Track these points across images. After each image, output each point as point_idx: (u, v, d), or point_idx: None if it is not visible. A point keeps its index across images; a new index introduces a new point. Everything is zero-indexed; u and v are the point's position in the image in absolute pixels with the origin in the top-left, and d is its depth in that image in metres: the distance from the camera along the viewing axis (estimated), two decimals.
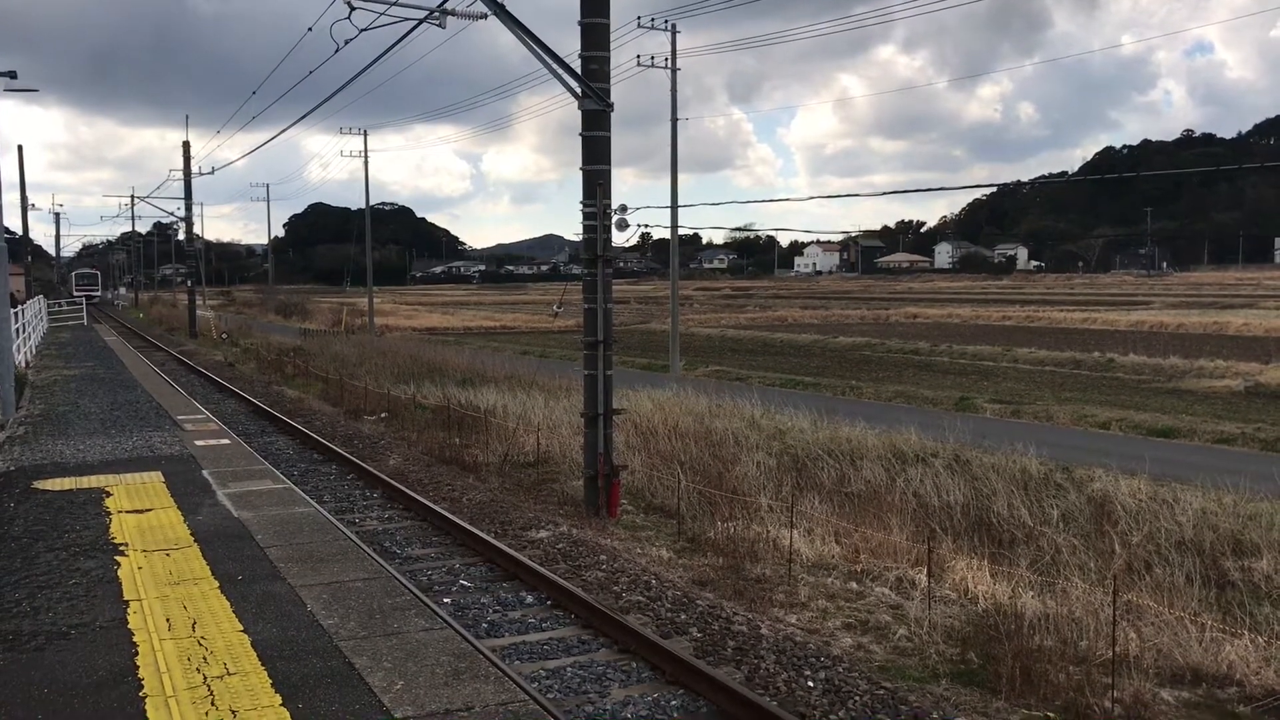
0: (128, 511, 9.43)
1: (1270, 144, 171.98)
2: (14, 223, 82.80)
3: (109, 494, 10.23)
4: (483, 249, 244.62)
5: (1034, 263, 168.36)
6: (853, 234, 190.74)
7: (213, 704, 5.16)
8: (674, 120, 32.26)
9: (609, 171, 13.06)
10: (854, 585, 9.91)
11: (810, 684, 7.45)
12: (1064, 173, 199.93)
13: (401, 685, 5.42)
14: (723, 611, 8.96)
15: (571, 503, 13.43)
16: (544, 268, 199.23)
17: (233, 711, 5.07)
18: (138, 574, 7.44)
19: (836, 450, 15.76)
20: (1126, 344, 38.37)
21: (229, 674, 5.55)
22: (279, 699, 5.22)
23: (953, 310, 66.38)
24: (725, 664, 7.83)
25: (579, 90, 12.74)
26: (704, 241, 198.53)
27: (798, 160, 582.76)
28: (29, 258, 68.62)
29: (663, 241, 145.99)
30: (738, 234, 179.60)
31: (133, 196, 74.80)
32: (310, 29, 18.96)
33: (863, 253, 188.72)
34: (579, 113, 12.92)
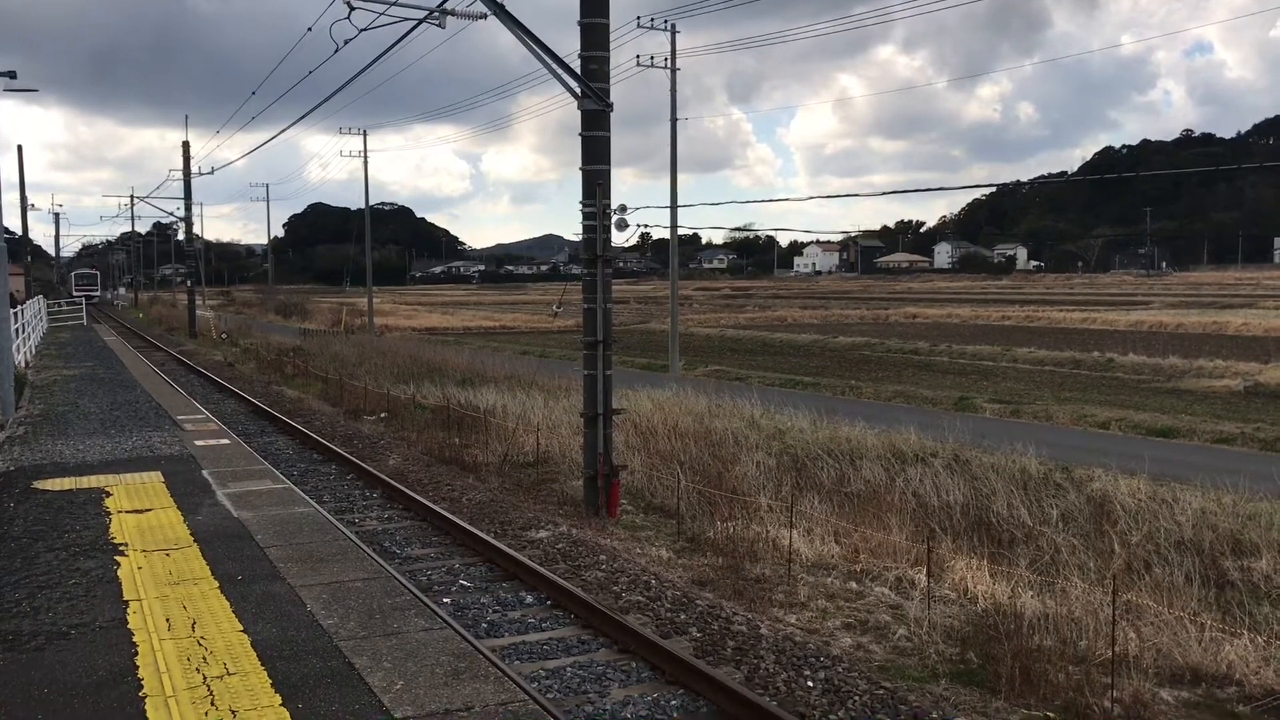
0: (127, 511, 9.43)
1: (1269, 144, 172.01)
2: (14, 223, 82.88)
3: (109, 494, 10.23)
4: (482, 249, 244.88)
5: (1033, 263, 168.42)
6: (852, 234, 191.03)
7: (212, 704, 5.16)
8: (673, 120, 32.29)
9: (609, 171, 13.06)
10: (853, 585, 9.91)
11: (810, 684, 7.45)
12: (1063, 173, 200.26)
13: (401, 685, 5.43)
14: (722, 611, 8.97)
15: (571, 503, 13.43)
16: (544, 268, 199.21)
17: (232, 711, 5.07)
18: (137, 574, 7.44)
19: (836, 450, 15.77)
20: (1126, 344, 38.38)
21: (229, 674, 5.55)
22: (279, 699, 5.22)
23: (952, 310, 66.39)
24: (725, 664, 7.83)
25: (578, 90, 12.74)
26: (703, 241, 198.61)
27: (797, 160, 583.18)
28: (29, 258, 68.62)
29: (662, 241, 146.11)
30: (737, 234, 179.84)
31: (132, 196, 74.85)
32: (310, 29, 18.97)
33: (862, 253, 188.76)
34: (578, 113, 12.93)
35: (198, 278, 58.99)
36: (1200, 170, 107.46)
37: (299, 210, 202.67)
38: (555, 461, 15.73)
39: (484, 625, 8.62)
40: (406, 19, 14.72)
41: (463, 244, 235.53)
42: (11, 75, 27.66)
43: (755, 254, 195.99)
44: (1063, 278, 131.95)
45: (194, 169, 49.86)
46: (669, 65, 31.83)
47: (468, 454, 16.56)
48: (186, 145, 49.95)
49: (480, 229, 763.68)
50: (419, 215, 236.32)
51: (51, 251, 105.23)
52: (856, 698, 7.22)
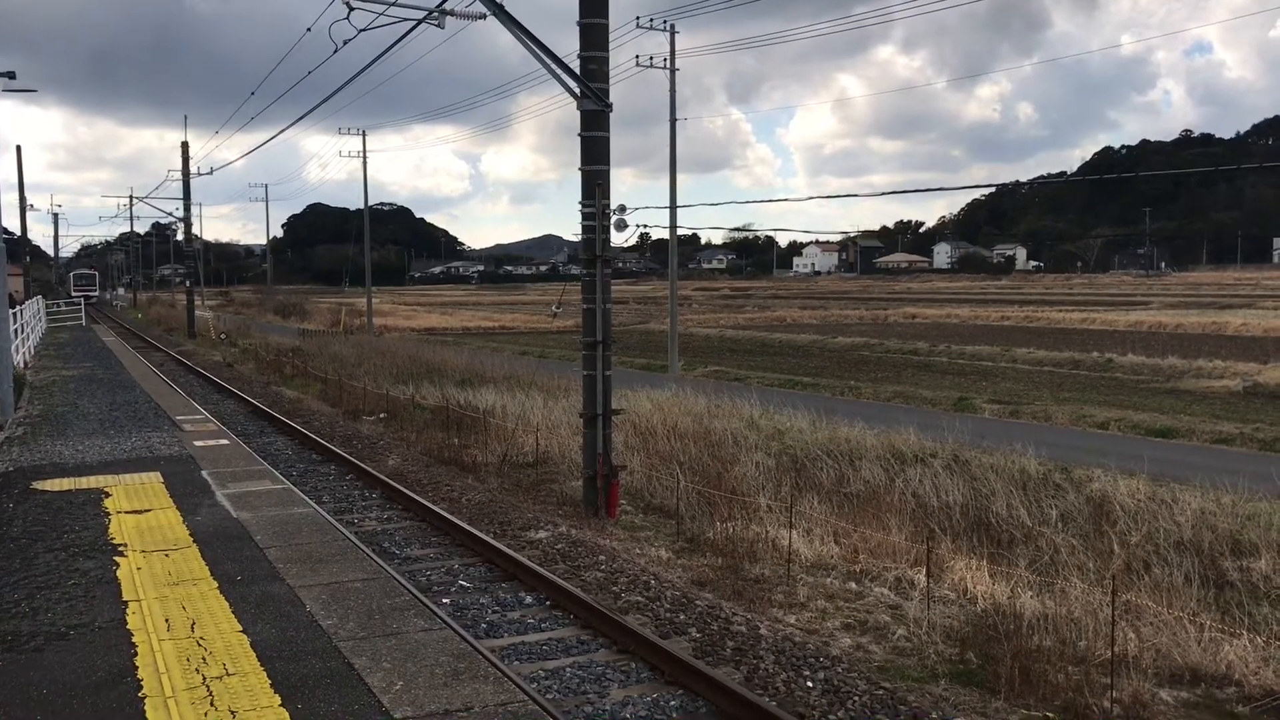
0: (127, 512, 9.42)
1: (1269, 144, 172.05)
2: (12, 223, 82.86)
3: (108, 494, 10.22)
4: (481, 249, 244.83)
5: (1033, 263, 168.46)
6: (851, 234, 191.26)
7: (212, 704, 5.15)
8: (673, 120, 32.29)
9: (608, 172, 13.06)
10: (853, 585, 9.91)
11: (809, 684, 7.45)
12: (1063, 173, 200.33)
13: (401, 685, 5.42)
14: (722, 612, 8.97)
15: (570, 503, 13.43)
16: (543, 268, 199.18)
17: (232, 712, 5.07)
18: (137, 574, 7.44)
19: (835, 450, 15.77)
20: (1125, 344, 38.39)
21: (228, 674, 5.55)
22: (278, 699, 5.22)
23: (951, 310, 66.42)
24: (724, 664, 7.83)
25: (578, 90, 12.74)
26: (703, 242, 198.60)
27: (796, 160, 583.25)
28: (27, 258, 68.55)
29: (661, 242, 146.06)
30: (736, 234, 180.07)
31: (131, 197, 74.86)
32: (309, 29, 18.97)
33: (861, 253, 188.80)
34: (578, 113, 12.93)
35: (196, 278, 59.01)
36: (1199, 170, 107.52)
37: (298, 210, 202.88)
38: (554, 462, 15.73)
39: (483, 626, 8.62)
40: (406, 19, 14.74)
41: (462, 244, 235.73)
42: (11, 75, 27.67)
43: (754, 254, 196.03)
44: (1062, 278, 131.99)
45: (193, 169, 49.87)
46: (668, 65, 31.85)
47: (467, 454, 16.56)
48: (185, 145, 49.97)
49: (479, 229, 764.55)
50: (418, 215, 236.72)
51: (50, 252, 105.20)
52: (856, 698, 7.22)
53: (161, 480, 10.96)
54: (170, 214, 78.30)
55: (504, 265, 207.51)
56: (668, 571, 10.45)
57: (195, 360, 34.87)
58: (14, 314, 22.54)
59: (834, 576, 10.16)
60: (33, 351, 29.79)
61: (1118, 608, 8.10)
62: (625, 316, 63.96)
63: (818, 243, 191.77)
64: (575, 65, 12.88)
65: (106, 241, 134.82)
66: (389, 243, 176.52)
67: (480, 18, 14.79)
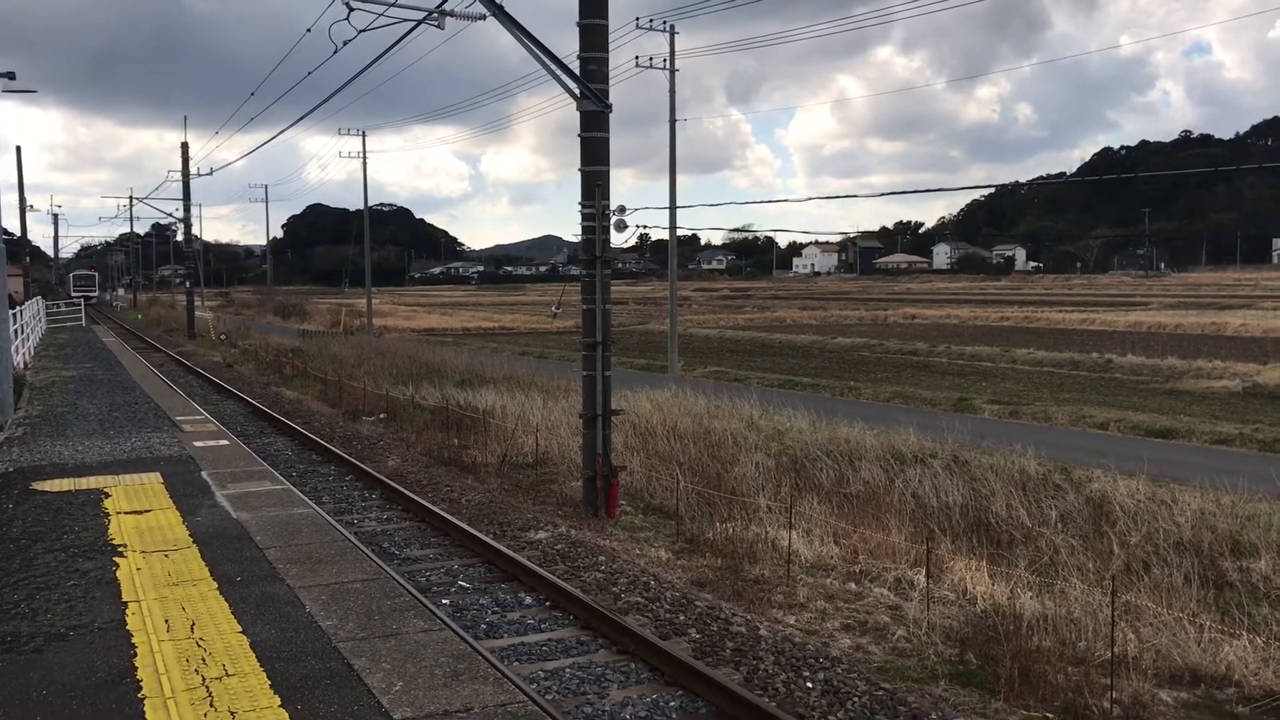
0: (126, 512, 9.42)
1: (1268, 145, 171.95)
2: (12, 224, 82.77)
3: (108, 495, 10.22)
4: (481, 250, 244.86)
5: (1032, 263, 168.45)
6: (851, 235, 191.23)
7: (211, 705, 5.15)
8: (672, 121, 32.30)
9: (608, 172, 13.06)
10: (853, 586, 9.91)
11: (809, 685, 7.45)
12: (1062, 173, 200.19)
13: (400, 686, 5.42)
14: (721, 612, 8.96)
15: (570, 504, 13.43)
16: (542, 268, 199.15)
17: (231, 713, 5.07)
18: (136, 575, 7.43)
19: (835, 451, 15.77)
20: (1125, 345, 38.39)
21: (228, 675, 5.55)
22: (278, 700, 5.22)
23: (951, 311, 66.42)
24: (724, 665, 7.83)
25: (577, 91, 12.74)
26: (702, 242, 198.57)
27: (796, 161, 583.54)
28: (27, 259, 68.52)
29: (661, 242, 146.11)
30: (736, 235, 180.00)
31: (131, 197, 74.91)
32: (309, 30, 18.97)
33: (861, 253, 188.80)
34: (577, 114, 12.93)
35: (196, 279, 59.02)
36: (1199, 171, 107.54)
37: (298, 211, 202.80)
38: (554, 462, 15.73)
39: (483, 626, 8.62)
40: (405, 20, 14.74)
41: (461, 245, 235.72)
42: (10, 76, 27.67)
43: (754, 255, 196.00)
44: (1061, 278, 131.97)
45: (193, 170, 49.88)
46: (668, 66, 31.86)
47: (467, 455, 16.56)
48: (185, 146, 49.97)
49: (479, 230, 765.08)
50: (418, 216, 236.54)
51: (50, 253, 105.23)
52: (856, 699, 7.22)
53: (161, 481, 10.96)
54: (170, 214, 78.43)
55: (504, 266, 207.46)
56: (667, 572, 10.45)
57: (195, 361, 34.87)
58: (14, 315, 22.54)
59: (834, 577, 10.16)
60: (32, 352, 29.78)
61: (1117, 608, 8.10)
62: (625, 317, 63.96)
63: (817, 243, 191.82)
64: (575, 66, 12.88)
65: (106, 242, 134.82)
66: (389, 243, 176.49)
67: (480, 18, 14.80)
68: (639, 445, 16.06)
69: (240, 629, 6.28)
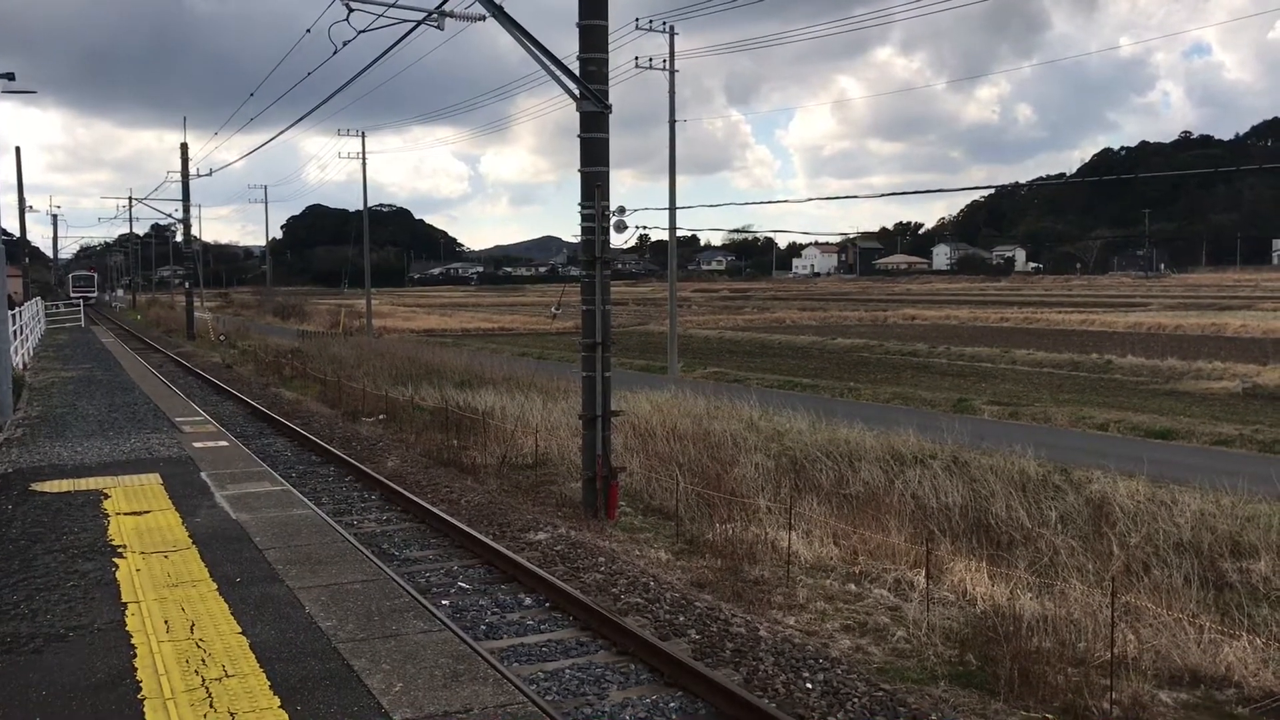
0: (126, 513, 9.42)
1: (1268, 145, 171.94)
2: (11, 224, 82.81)
3: (107, 496, 10.21)
4: (481, 250, 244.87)
5: (1032, 264, 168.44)
6: (851, 235, 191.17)
7: (211, 706, 5.15)
8: (672, 122, 32.32)
9: (607, 173, 13.06)
10: (852, 587, 9.91)
11: (809, 686, 7.45)
12: (1062, 174, 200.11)
13: (400, 687, 5.42)
14: (721, 613, 8.96)
15: (570, 504, 13.42)
16: (542, 269, 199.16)
17: (231, 713, 5.06)
18: (136, 576, 7.43)
19: (835, 452, 15.77)
20: (1124, 345, 38.40)
21: (227, 676, 5.55)
22: (278, 701, 5.21)
23: (951, 312, 66.44)
24: (724, 666, 7.83)
25: (577, 92, 12.74)
26: (702, 243, 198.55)
27: (796, 162, 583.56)
28: (26, 259, 68.49)
29: (661, 243, 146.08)
30: (736, 235, 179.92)
31: (130, 198, 75.10)
32: (309, 31, 18.98)
33: (861, 254, 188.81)
34: (577, 114, 12.93)
35: (196, 279, 59.00)
36: (1198, 172, 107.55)
37: (297, 212, 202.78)
38: (554, 463, 15.73)
39: (483, 627, 8.62)
40: (405, 20, 14.74)
41: (461, 245, 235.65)
42: (10, 77, 27.67)
43: (754, 255, 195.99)
44: (1061, 279, 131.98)
45: (192, 171, 49.88)
46: (667, 67, 31.88)
47: (466, 456, 16.55)
48: (185, 147, 49.96)
49: (479, 230, 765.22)
50: (417, 217, 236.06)
51: (49, 253, 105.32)
52: (855, 700, 7.21)
53: (161, 482, 10.95)
54: (169, 215, 78.41)
55: (503, 267, 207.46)
56: (667, 573, 10.45)
57: (194, 362, 34.86)
58: (13, 315, 22.53)
59: (833, 578, 10.16)
60: (32, 353, 29.77)
61: (1117, 609, 8.10)
62: (624, 318, 63.96)
63: (817, 244, 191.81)
64: (575, 67, 12.88)
65: (105, 243, 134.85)
66: (388, 244, 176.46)
67: (480, 19, 14.80)
68: (638, 446, 16.06)
69: (240, 630, 6.28)
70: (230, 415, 21.32)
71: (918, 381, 30.04)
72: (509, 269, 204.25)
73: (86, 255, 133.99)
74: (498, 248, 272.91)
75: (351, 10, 14.47)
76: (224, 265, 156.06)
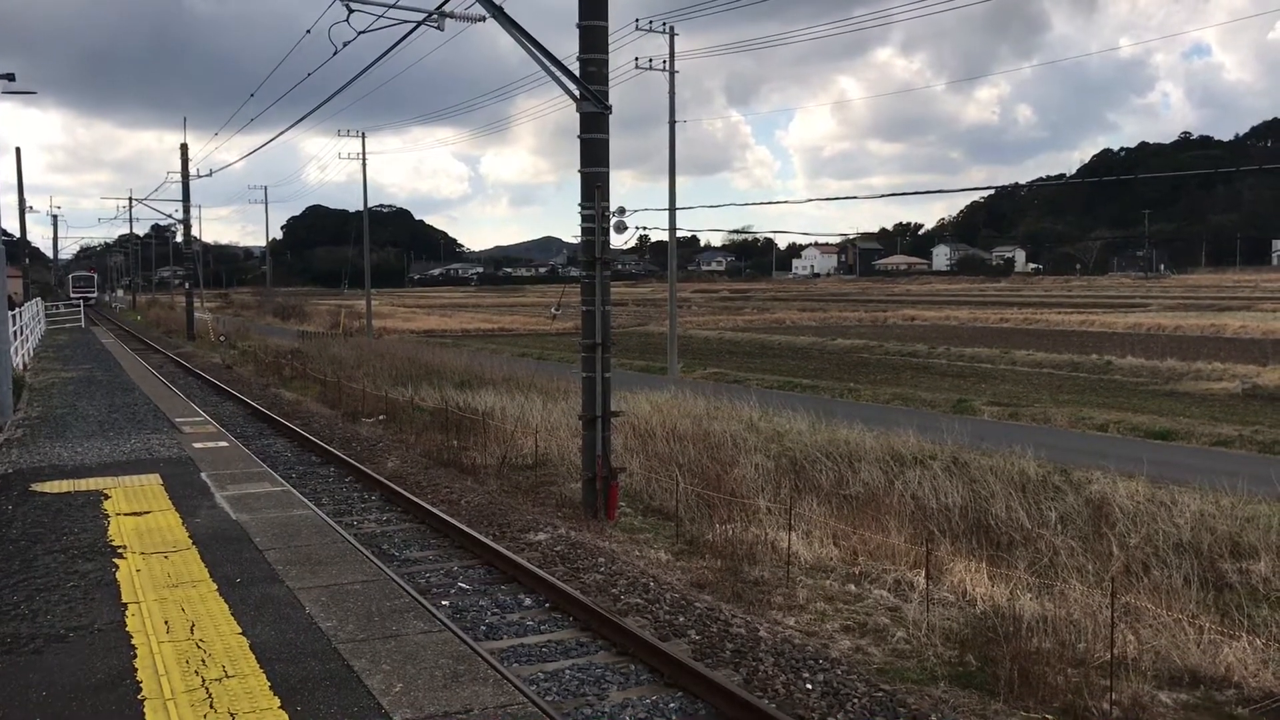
0: (126, 514, 9.42)
1: (1268, 146, 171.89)
2: (11, 225, 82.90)
3: (107, 496, 10.22)
4: (481, 251, 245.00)
5: (1032, 265, 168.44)
6: (851, 236, 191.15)
7: (211, 706, 5.15)
8: (672, 122, 32.33)
9: (607, 174, 13.06)
10: (852, 587, 9.91)
11: (809, 686, 7.45)
12: (1062, 175, 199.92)
13: (400, 687, 5.42)
14: (721, 614, 8.96)
15: (570, 505, 13.42)
16: (542, 270, 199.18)
17: (231, 714, 5.07)
18: (136, 576, 7.43)
19: (834, 452, 15.77)
20: (1124, 346, 38.40)
21: (228, 676, 5.55)
22: (278, 701, 5.22)
23: (950, 312, 66.46)
24: (724, 666, 7.83)
25: (577, 93, 12.74)
26: (702, 244, 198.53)
27: (796, 162, 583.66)
28: (27, 260, 68.51)
29: (661, 244, 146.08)
30: (736, 236, 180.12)
31: (130, 199, 75.09)
32: (309, 31, 18.98)
33: (861, 255, 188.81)
34: (577, 115, 12.93)
35: (196, 280, 58.98)
36: (1198, 173, 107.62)
37: (297, 212, 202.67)
38: (554, 464, 15.73)
39: (483, 628, 8.62)
40: (405, 21, 14.74)
41: (461, 246, 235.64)
42: (10, 77, 27.67)
43: (754, 256, 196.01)
44: (1061, 280, 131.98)
45: (192, 171, 49.86)
46: (667, 68, 31.89)
47: (466, 456, 16.55)
48: (185, 147, 49.95)
49: (479, 231, 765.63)
50: (417, 217, 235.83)
51: (49, 254, 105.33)
52: (855, 700, 7.22)
53: (161, 482, 10.96)
54: (169, 216, 78.46)
55: (503, 267, 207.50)
56: (667, 574, 10.45)
57: (194, 362, 34.86)
58: (13, 316, 22.53)
59: (833, 579, 10.16)
60: (32, 353, 29.77)
61: (1117, 610, 8.10)
62: (624, 318, 63.97)
63: (817, 245, 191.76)
64: (575, 67, 12.88)
65: (106, 243, 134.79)
66: (388, 245, 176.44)
67: (479, 20, 14.81)
68: (638, 447, 16.06)
69: (240, 630, 6.28)
70: (230, 416, 21.32)
71: (917, 382, 30.04)
72: (509, 270, 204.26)
73: (86, 256, 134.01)
74: (498, 248, 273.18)
75: (351, 11, 14.48)
76: (224, 266, 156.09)
